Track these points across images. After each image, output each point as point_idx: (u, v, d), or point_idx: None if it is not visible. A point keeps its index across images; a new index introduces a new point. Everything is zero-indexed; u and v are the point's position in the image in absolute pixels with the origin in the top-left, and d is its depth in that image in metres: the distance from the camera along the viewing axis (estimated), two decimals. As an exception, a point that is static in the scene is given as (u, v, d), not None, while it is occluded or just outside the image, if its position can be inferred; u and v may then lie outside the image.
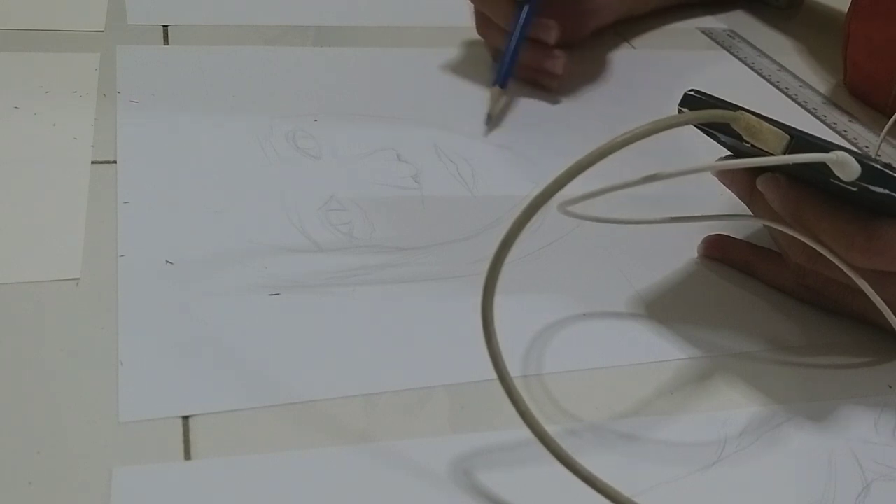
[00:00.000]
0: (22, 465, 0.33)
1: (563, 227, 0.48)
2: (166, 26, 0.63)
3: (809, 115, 0.63)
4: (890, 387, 0.42)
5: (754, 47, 0.73)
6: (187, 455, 0.34)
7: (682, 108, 0.40)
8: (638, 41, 0.71)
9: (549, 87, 0.61)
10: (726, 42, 0.73)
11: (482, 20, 0.62)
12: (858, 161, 0.35)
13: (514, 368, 0.40)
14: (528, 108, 0.60)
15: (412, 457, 0.35)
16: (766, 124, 0.37)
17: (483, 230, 0.47)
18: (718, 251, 0.47)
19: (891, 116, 0.55)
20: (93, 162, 0.48)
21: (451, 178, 0.51)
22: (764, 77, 0.68)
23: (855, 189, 0.36)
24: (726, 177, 0.43)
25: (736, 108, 0.39)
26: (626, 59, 0.68)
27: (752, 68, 0.69)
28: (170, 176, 0.48)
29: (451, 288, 0.44)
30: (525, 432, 0.33)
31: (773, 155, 0.37)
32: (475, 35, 0.64)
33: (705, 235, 0.48)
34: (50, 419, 0.35)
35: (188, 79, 0.58)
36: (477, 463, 0.35)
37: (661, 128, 0.34)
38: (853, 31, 0.65)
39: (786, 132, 0.37)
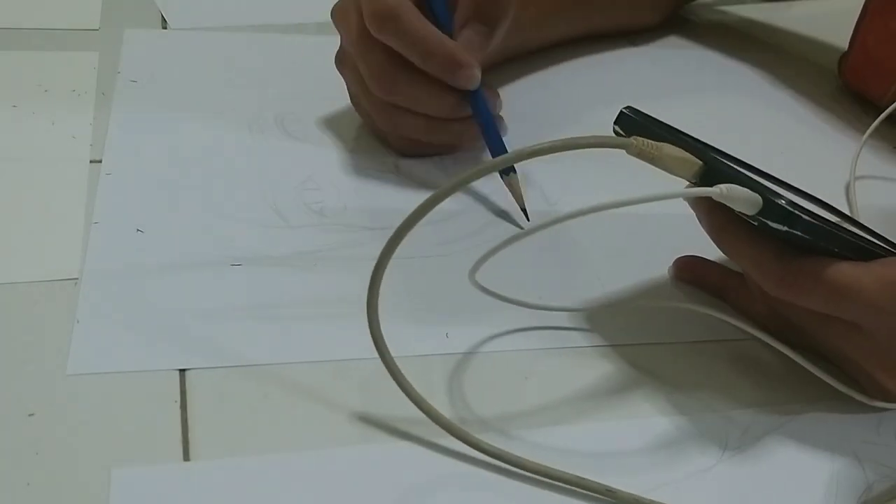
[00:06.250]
0: (21, 465, 0.33)
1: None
2: (165, 26, 0.63)
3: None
4: (892, 387, 0.42)
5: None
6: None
7: (616, 127, 0.38)
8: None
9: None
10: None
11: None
12: (763, 196, 0.34)
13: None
14: (524, 103, 0.59)
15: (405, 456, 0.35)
16: (667, 150, 0.34)
17: (450, 216, 0.48)
18: (689, 273, 0.46)
19: (887, 108, 0.55)
20: (91, 161, 0.48)
21: (432, 167, 0.52)
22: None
23: (756, 224, 0.35)
24: (698, 208, 0.41)
25: (674, 131, 0.36)
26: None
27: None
28: (155, 151, 0.50)
29: (413, 267, 0.44)
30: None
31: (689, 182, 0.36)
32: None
33: (677, 257, 0.46)
34: (50, 419, 0.34)
35: (188, 62, 0.59)
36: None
37: (552, 150, 0.32)
38: (872, 9, 0.64)
39: (700, 157, 0.35)
